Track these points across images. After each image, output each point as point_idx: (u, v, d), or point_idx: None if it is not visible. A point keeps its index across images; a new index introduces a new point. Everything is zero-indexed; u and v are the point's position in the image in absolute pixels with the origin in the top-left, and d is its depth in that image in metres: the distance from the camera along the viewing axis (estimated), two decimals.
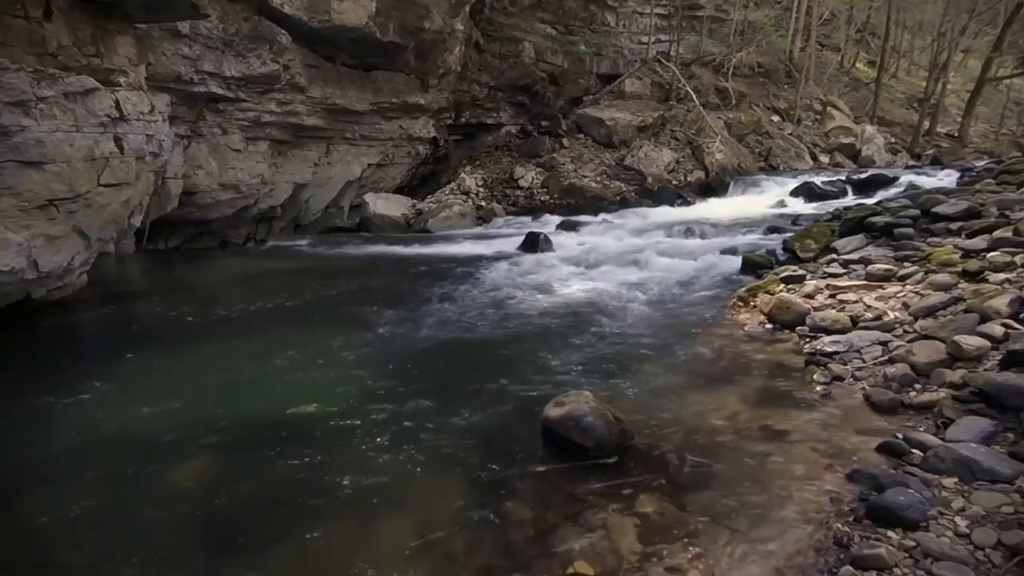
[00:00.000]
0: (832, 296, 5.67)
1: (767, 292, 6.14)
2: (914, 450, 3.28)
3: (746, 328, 5.61)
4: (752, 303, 6.10)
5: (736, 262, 7.91)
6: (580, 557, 2.76)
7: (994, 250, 5.60)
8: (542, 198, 14.65)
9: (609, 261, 8.83)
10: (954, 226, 6.78)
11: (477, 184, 14.80)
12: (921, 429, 3.53)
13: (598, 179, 14.99)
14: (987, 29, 23.91)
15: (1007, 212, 6.76)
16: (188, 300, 7.19)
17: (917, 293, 5.20)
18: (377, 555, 2.86)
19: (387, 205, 13.46)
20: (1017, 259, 5.26)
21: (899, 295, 5.29)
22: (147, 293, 7.67)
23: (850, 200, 11.95)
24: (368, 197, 13.34)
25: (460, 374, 4.94)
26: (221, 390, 4.66)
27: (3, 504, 3.32)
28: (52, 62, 5.56)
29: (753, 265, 7.51)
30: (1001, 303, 4.40)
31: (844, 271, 6.34)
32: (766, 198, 13.52)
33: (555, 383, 4.53)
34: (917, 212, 7.43)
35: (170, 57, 8.51)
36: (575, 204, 14.06)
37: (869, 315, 5.06)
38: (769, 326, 5.54)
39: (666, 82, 17.41)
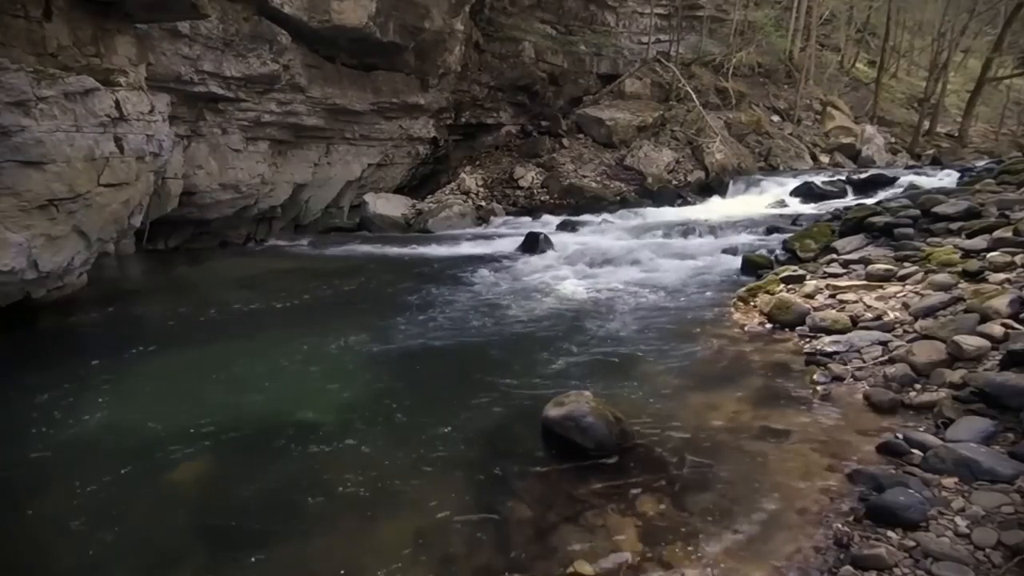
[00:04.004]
0: (832, 296, 5.67)
1: (767, 292, 6.14)
2: (914, 450, 3.28)
3: (746, 328, 5.61)
4: (752, 303, 6.10)
5: (736, 262, 7.91)
6: (580, 557, 2.76)
7: (994, 250, 5.60)
8: (542, 198, 14.65)
9: (609, 261, 8.82)
10: (954, 226, 6.77)
11: (477, 184, 14.80)
12: (921, 429, 3.53)
13: (598, 179, 14.98)
14: (987, 29, 23.91)
15: (1007, 212, 6.76)
16: (188, 300, 7.19)
17: (917, 293, 5.20)
18: (377, 555, 2.86)
19: (387, 205, 13.45)
20: (1017, 259, 5.25)
21: (899, 295, 5.29)
22: (147, 293, 7.67)
23: (850, 200, 11.95)
24: (368, 197, 13.34)
25: (460, 374, 4.94)
26: (221, 390, 4.66)
27: (3, 504, 3.32)
28: (52, 62, 5.55)
29: (753, 265, 7.52)
30: (1001, 303, 4.40)
31: (844, 271, 6.34)
32: (766, 198, 13.52)
33: (555, 383, 4.53)
34: (917, 212, 7.43)
35: (170, 57, 8.50)
36: (575, 204, 14.05)
37: (869, 315, 5.06)
38: (769, 326, 5.54)
39: (666, 82, 17.41)
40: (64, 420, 4.17)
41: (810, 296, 5.78)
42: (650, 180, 14.86)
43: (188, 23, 8.29)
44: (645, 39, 18.91)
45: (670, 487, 3.26)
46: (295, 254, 10.74)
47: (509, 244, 10.46)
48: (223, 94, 9.42)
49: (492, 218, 13.53)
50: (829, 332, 4.99)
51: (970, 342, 4.07)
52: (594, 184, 14.79)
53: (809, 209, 11.84)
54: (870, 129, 19.64)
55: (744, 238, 9.55)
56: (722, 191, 14.59)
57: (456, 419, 4.10)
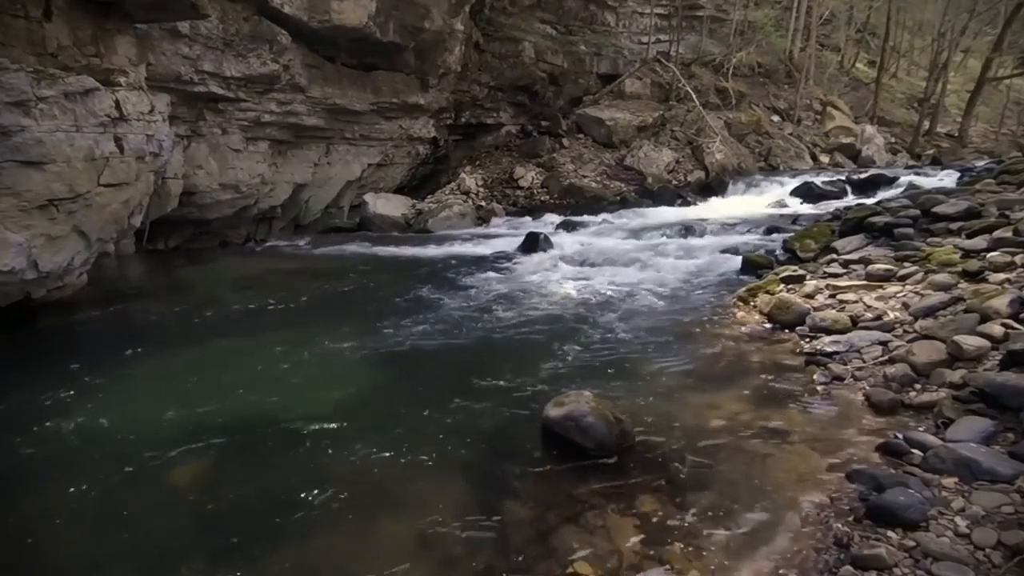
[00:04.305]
0: (832, 296, 5.67)
1: (767, 292, 6.14)
2: (914, 450, 3.28)
3: (746, 328, 5.60)
4: (752, 303, 6.10)
5: (736, 262, 7.91)
6: (580, 557, 2.76)
7: (994, 250, 5.60)
8: (542, 198, 14.65)
9: (609, 261, 8.82)
10: (954, 226, 6.77)
11: (477, 184, 14.79)
12: (921, 429, 3.54)
13: (598, 179, 14.98)
14: (987, 29, 23.91)
15: (1007, 212, 6.76)
16: (188, 300, 7.19)
17: (917, 293, 5.20)
18: (377, 555, 2.86)
19: (387, 205, 13.45)
20: (1017, 259, 5.25)
21: (899, 295, 5.29)
22: (147, 293, 7.66)
23: (850, 200, 11.95)
24: (368, 197, 13.33)
25: (460, 374, 4.93)
26: (221, 390, 4.65)
27: (3, 504, 3.31)
28: (52, 62, 5.55)
29: (753, 265, 7.51)
30: (1001, 303, 4.40)
31: (844, 271, 6.34)
32: (766, 198, 13.51)
33: (555, 383, 4.53)
34: (917, 212, 7.43)
35: (170, 57, 8.50)
36: (575, 204, 14.05)
37: (869, 315, 5.06)
38: (769, 326, 5.54)
39: (666, 82, 17.41)
40: (64, 420, 4.17)
41: (810, 296, 5.78)
42: (650, 180, 14.86)
43: (188, 23, 8.29)
44: (645, 39, 18.91)
45: (670, 487, 3.26)
46: (295, 254, 10.74)
47: (509, 244, 10.45)
48: (223, 94, 9.42)
49: (492, 218, 13.52)
50: (829, 332, 4.99)
51: (970, 342, 4.07)
52: (594, 184, 14.79)
53: (809, 209, 11.84)
54: (870, 129, 19.64)
55: (744, 238, 9.55)
56: (722, 191, 14.58)
57: (456, 419, 4.10)
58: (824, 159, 18.22)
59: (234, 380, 4.83)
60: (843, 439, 3.57)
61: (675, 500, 3.15)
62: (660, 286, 7.31)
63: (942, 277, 5.26)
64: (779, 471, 3.32)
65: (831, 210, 10.19)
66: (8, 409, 4.32)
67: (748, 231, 10.03)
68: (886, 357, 4.40)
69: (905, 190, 11.33)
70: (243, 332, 6.08)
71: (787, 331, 5.34)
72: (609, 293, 7.15)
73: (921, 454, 3.22)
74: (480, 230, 12.66)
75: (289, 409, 4.29)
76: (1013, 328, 4.13)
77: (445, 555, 2.85)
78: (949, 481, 2.97)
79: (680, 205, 13.72)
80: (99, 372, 4.98)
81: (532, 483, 3.37)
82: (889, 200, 9.06)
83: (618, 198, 14.34)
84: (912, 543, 2.60)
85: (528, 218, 13.31)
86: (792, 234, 8.42)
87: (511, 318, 6.31)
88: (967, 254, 5.72)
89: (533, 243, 9.93)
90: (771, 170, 16.23)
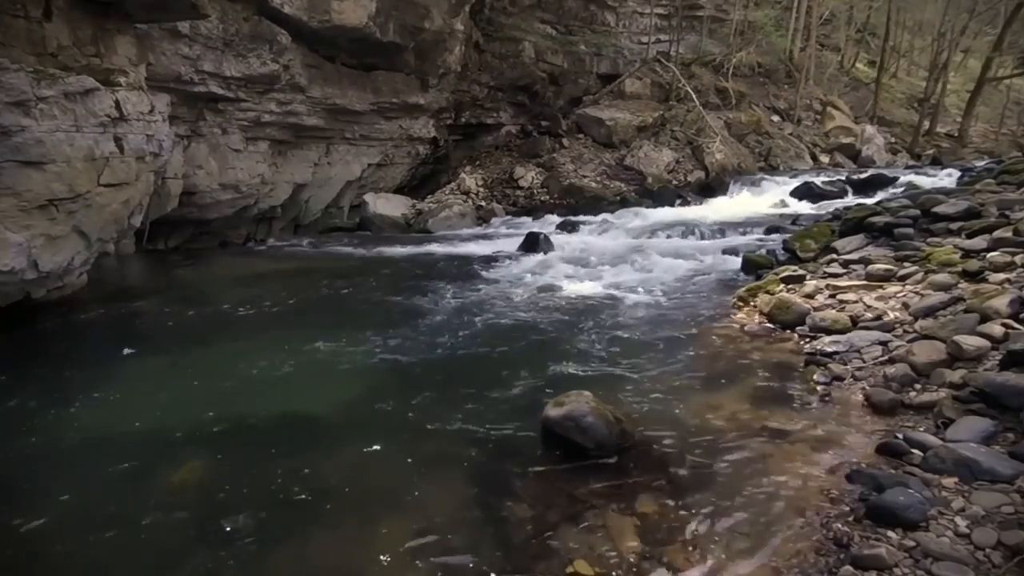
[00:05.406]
0: (832, 296, 5.67)
1: (767, 292, 6.14)
2: (914, 450, 3.28)
3: (746, 328, 5.60)
4: (752, 303, 6.10)
5: (736, 262, 7.92)
6: (580, 557, 2.75)
7: (994, 250, 5.59)
8: (542, 198, 14.66)
9: (609, 261, 8.82)
10: (954, 226, 6.77)
11: (477, 184, 14.80)
12: (921, 429, 3.53)
13: (598, 179, 14.99)
14: (987, 29, 23.92)
15: (1007, 212, 6.75)
16: (188, 300, 7.19)
17: (917, 293, 5.20)
18: (377, 555, 2.86)
19: (387, 205, 13.46)
20: (1017, 259, 5.25)
21: (899, 295, 5.29)
22: (147, 293, 7.66)
23: (850, 200, 11.94)
24: (368, 197, 13.35)
25: (460, 374, 4.94)
26: (221, 390, 4.66)
27: (2, 504, 3.31)
28: (52, 62, 5.56)
29: (753, 265, 7.52)
30: (1001, 303, 4.40)
31: (844, 271, 6.34)
32: (766, 198, 13.51)
33: (555, 383, 4.53)
34: (917, 212, 7.42)
35: (170, 57, 8.51)
36: (575, 204, 14.06)
37: (869, 315, 5.06)
38: (769, 326, 5.54)
39: (666, 82, 17.41)
40: (64, 420, 4.17)
41: (810, 296, 5.78)
42: (650, 180, 14.87)
43: (188, 23, 8.30)
44: (645, 39, 18.91)
45: (670, 487, 3.26)
46: (295, 254, 10.74)
47: (509, 244, 10.46)
48: (223, 94, 9.43)
49: (492, 218, 13.54)
50: (829, 332, 4.99)
51: (970, 342, 4.07)
52: (594, 184, 14.80)
53: (809, 209, 11.85)
54: (870, 129, 19.65)
55: (744, 238, 9.56)
56: (722, 191, 14.59)
57: (456, 419, 4.10)
58: (824, 159, 18.23)
59: (234, 380, 4.84)
60: (843, 439, 3.57)
61: (675, 500, 3.14)
62: (660, 286, 7.32)
63: (942, 277, 5.26)
64: (779, 471, 3.32)
65: (831, 210, 10.18)
66: (8, 409, 4.32)
67: (748, 231, 10.03)
68: (886, 357, 4.40)
69: (905, 190, 11.34)
70: (243, 332, 6.09)
71: (787, 331, 5.34)
72: (609, 293, 7.15)
73: (921, 454, 3.22)
74: (480, 230, 12.68)
75: (289, 409, 4.29)
76: (1013, 328, 4.13)
77: (445, 555, 2.84)
78: (949, 481, 2.97)
79: (680, 205, 13.72)
80: (99, 372, 4.98)
81: (532, 483, 3.37)
82: (889, 200, 9.05)
83: (618, 198, 14.34)
84: (912, 543, 2.59)
85: (528, 218, 13.32)
86: (792, 234, 8.41)
87: (511, 318, 6.31)
88: (967, 254, 5.72)
89: (533, 243, 9.93)
90: (771, 170, 16.23)
